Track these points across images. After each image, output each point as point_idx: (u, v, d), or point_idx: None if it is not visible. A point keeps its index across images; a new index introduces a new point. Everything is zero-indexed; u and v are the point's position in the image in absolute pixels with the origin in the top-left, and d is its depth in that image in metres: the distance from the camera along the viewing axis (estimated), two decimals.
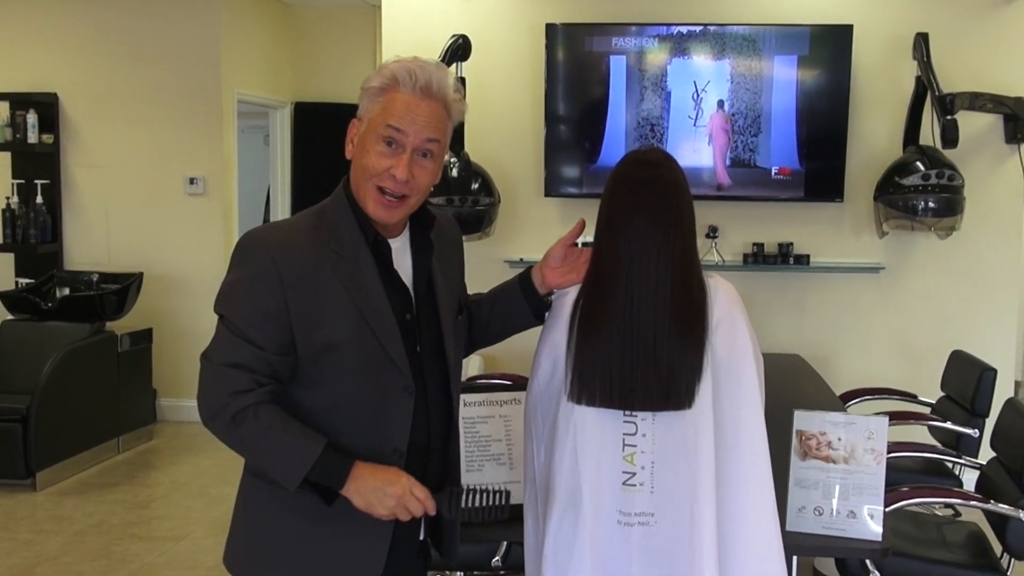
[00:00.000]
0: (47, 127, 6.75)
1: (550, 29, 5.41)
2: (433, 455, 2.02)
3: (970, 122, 5.13)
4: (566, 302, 2.13)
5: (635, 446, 2.04)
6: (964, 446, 3.90)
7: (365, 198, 1.92)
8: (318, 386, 1.89)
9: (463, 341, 2.19)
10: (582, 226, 2.19)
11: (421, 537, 2.07)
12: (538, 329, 2.22)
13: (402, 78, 1.89)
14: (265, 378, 1.85)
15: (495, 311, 2.24)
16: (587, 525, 2.03)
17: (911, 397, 4.45)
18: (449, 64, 5.29)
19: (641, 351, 1.99)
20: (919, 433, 4.33)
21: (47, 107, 6.76)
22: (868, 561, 2.91)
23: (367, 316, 1.88)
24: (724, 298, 2.06)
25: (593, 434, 2.04)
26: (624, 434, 2.04)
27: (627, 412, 2.03)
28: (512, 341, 2.34)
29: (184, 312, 6.75)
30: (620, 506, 2.04)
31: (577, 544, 2.03)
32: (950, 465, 4.00)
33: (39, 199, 6.65)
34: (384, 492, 1.83)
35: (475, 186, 5.34)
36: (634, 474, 2.04)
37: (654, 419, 2.02)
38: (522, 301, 2.19)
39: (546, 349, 2.12)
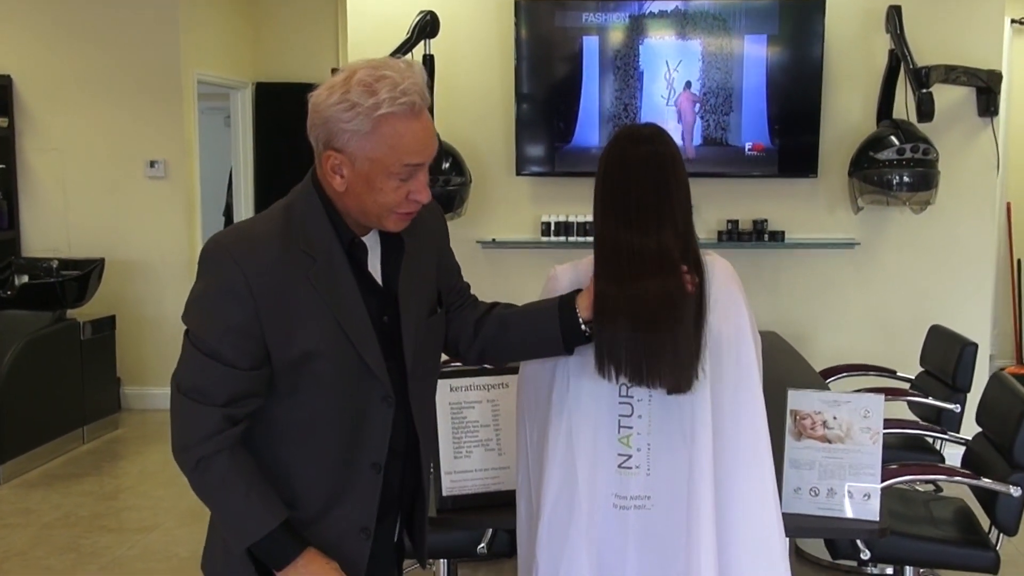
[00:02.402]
0: (0, 111, 6.57)
1: (519, 5, 5.31)
2: (409, 463, 1.94)
3: (943, 95, 5.09)
4: (558, 286, 2.06)
5: (631, 428, 2.00)
6: (945, 421, 3.88)
7: (382, 221, 1.80)
8: (293, 399, 1.79)
9: (440, 339, 2.03)
10: None
11: (395, 539, 2.00)
12: None
13: (394, 106, 1.69)
14: (238, 408, 1.75)
15: (520, 325, 2.03)
16: (582, 508, 2.00)
17: (890, 373, 4.43)
18: (417, 41, 5.19)
19: (646, 332, 1.92)
20: (899, 408, 4.31)
21: (0, 90, 6.57)
22: (859, 540, 2.87)
23: (344, 324, 1.77)
24: (721, 276, 2.02)
25: (588, 416, 2.00)
26: (620, 415, 2.01)
27: (623, 394, 1.98)
28: None
29: (147, 298, 6.62)
30: (616, 489, 2.01)
31: (572, 527, 2.00)
32: (931, 440, 3.98)
33: None
34: None
35: (446, 165, 5.24)
36: (630, 456, 2.00)
37: (650, 400, 1.98)
38: (555, 323, 1.96)
39: None
